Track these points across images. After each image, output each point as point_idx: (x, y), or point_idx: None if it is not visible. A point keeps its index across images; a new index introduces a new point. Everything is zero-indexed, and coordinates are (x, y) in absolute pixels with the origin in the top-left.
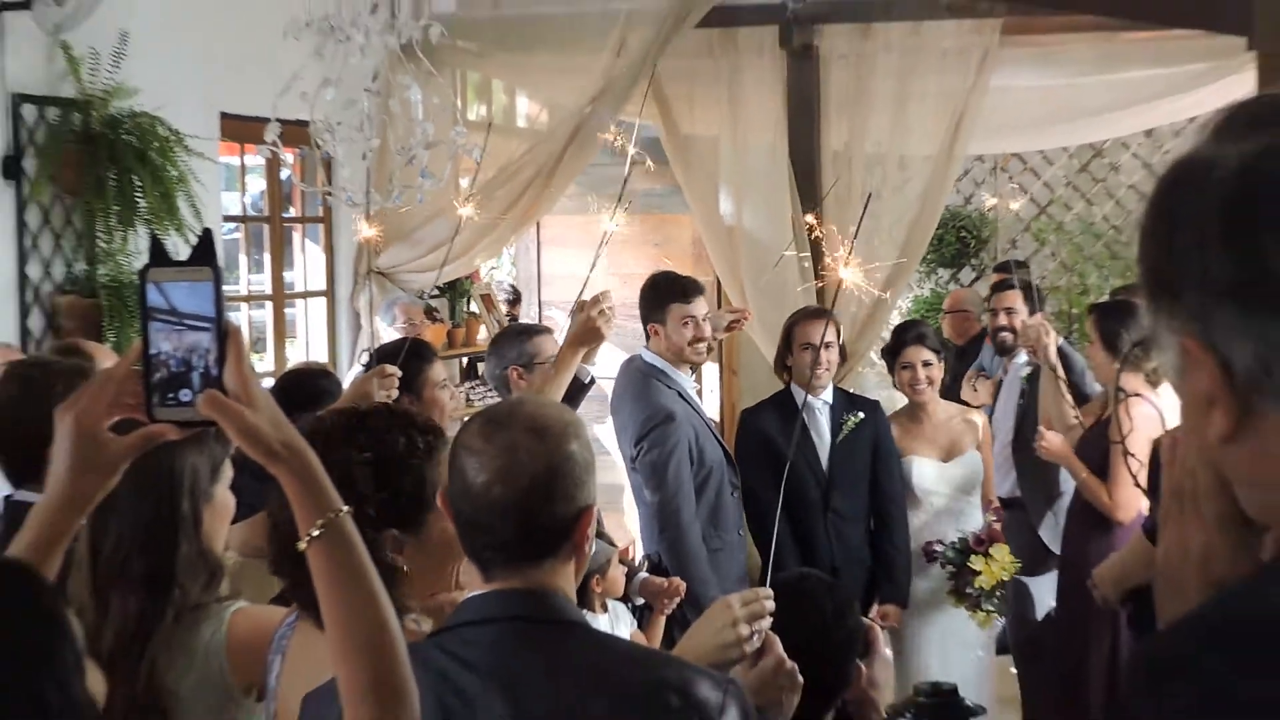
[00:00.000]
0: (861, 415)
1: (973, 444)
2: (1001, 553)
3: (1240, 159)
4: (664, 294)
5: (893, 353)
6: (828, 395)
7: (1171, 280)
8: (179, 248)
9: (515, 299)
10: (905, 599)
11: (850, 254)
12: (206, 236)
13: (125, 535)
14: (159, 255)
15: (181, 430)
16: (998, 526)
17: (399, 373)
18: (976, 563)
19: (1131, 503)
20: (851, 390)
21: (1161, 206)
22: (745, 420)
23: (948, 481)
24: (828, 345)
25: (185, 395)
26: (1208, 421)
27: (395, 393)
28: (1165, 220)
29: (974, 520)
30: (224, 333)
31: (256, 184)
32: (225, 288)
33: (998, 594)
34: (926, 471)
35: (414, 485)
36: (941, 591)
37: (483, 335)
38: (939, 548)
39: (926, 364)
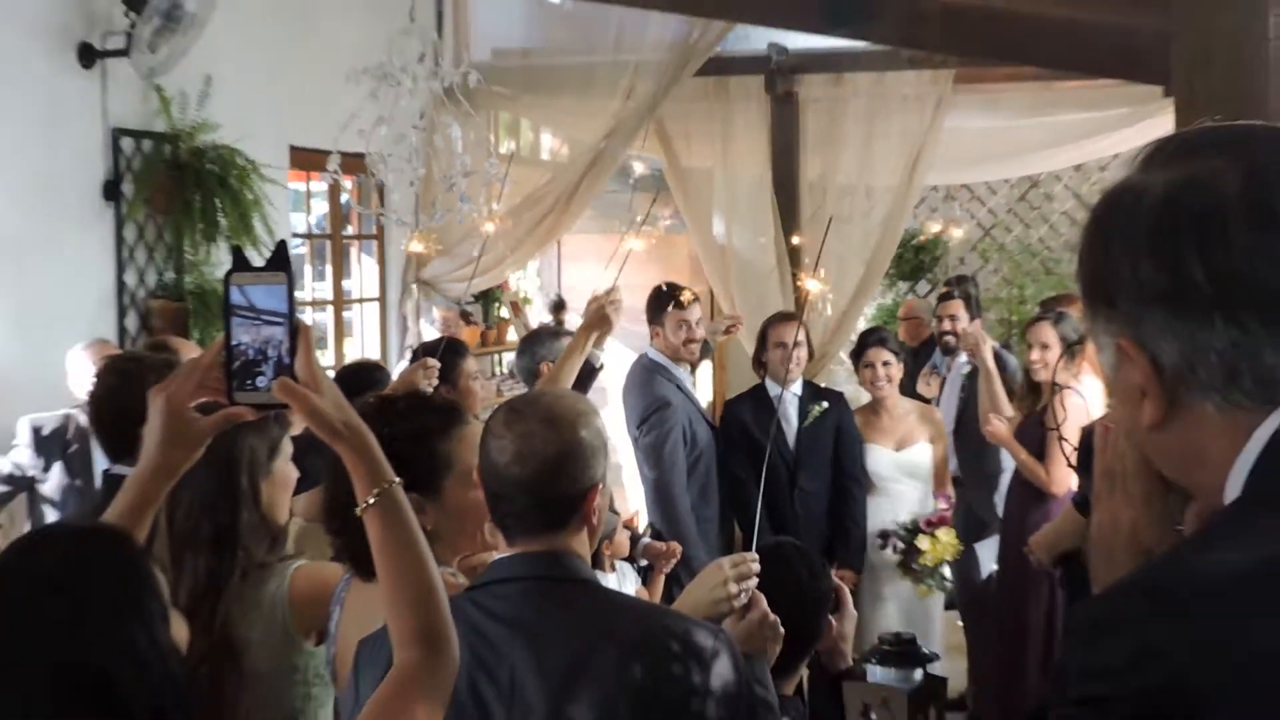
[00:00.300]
0: (826, 405)
1: (925, 437)
2: (947, 535)
3: (1165, 187)
4: (663, 302)
5: (857, 354)
6: (796, 387)
7: (1108, 289)
8: (253, 259)
9: (560, 306)
10: (860, 566)
11: (816, 268)
12: (282, 247)
13: (194, 504)
14: (240, 262)
15: (257, 411)
16: (947, 513)
17: (438, 365)
18: (923, 542)
19: (1065, 479)
20: (823, 384)
21: (1099, 226)
22: (726, 408)
23: (898, 468)
24: (797, 344)
25: (261, 381)
26: (1139, 411)
27: (436, 381)
28: (1102, 238)
29: (923, 502)
30: (295, 328)
31: (320, 206)
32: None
33: (940, 571)
34: (880, 458)
35: (426, 457)
36: (894, 563)
37: (511, 336)
38: (891, 528)
39: (886, 364)
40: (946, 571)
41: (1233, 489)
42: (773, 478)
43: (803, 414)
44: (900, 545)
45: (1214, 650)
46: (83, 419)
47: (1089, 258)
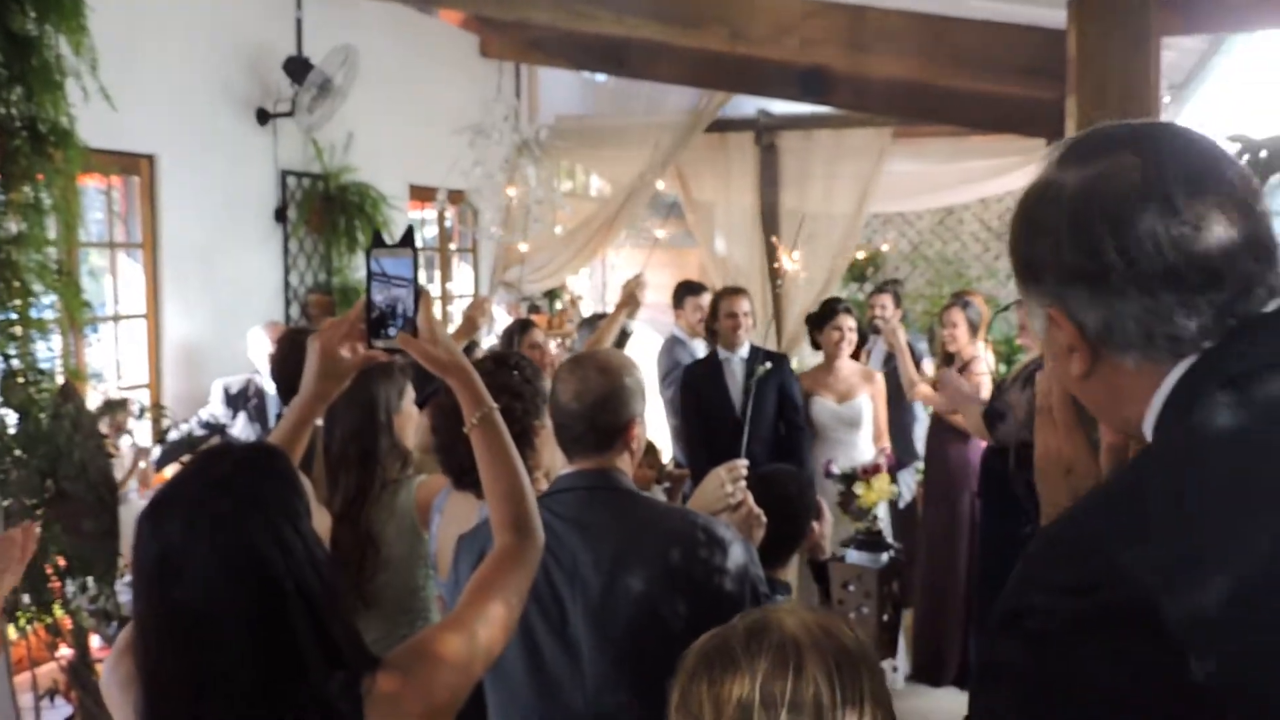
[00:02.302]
0: (770, 365)
1: (865, 393)
2: (880, 482)
3: (1079, 181)
4: (684, 292)
5: (823, 319)
6: (743, 351)
7: (1036, 269)
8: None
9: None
10: None
11: (792, 255)
12: (409, 230)
13: (345, 436)
14: (378, 240)
15: (388, 355)
16: (882, 463)
17: (488, 303)
18: (859, 488)
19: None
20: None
21: (1027, 217)
22: (685, 372)
23: (838, 418)
24: (746, 314)
25: (391, 331)
26: (1069, 364)
27: (490, 318)
28: (1029, 227)
29: (860, 449)
30: (418, 291)
31: (431, 229)
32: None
33: (873, 512)
34: (824, 409)
35: (522, 400)
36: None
37: (572, 321)
38: (835, 470)
39: (851, 329)
40: (880, 512)
41: (1148, 424)
42: (721, 426)
43: (749, 373)
44: (840, 489)
45: (1167, 565)
46: (259, 380)
47: (1020, 243)
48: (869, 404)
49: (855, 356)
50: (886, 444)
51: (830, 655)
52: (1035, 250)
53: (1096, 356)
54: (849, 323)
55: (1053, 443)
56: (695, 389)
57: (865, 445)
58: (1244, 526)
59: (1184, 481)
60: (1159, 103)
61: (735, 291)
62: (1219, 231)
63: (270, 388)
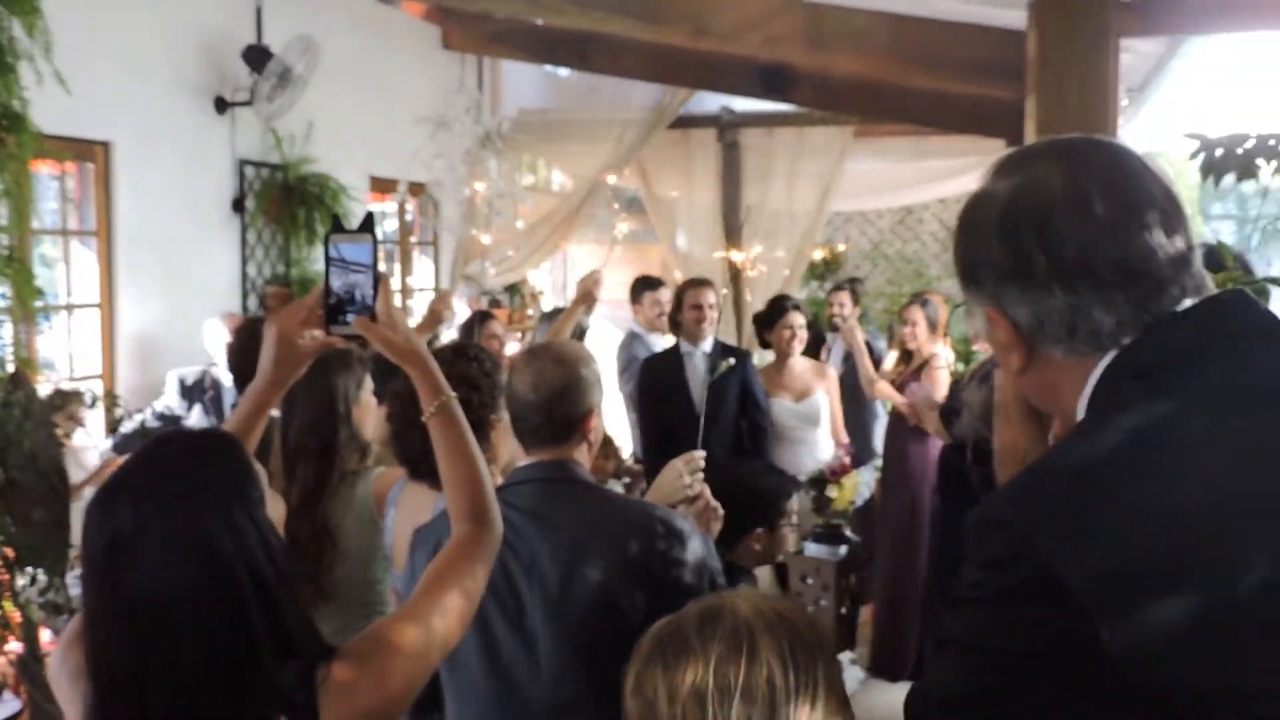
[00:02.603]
0: (733, 361)
1: (821, 388)
2: (849, 480)
3: (1007, 191)
4: (642, 286)
5: (773, 318)
6: (706, 346)
7: (974, 272)
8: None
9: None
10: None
11: (752, 255)
12: (369, 216)
13: (303, 427)
14: (338, 225)
15: (346, 341)
16: (847, 461)
17: (451, 299)
18: (832, 490)
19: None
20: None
21: (965, 225)
22: (644, 365)
23: (797, 416)
24: (711, 306)
25: (349, 318)
26: (1008, 360)
27: (453, 312)
28: (968, 233)
29: (821, 446)
30: (377, 277)
31: (391, 222)
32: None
33: (848, 512)
34: (783, 408)
35: (479, 392)
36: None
37: (530, 314)
38: (802, 479)
39: (801, 326)
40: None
41: (1080, 414)
42: (680, 421)
43: (711, 369)
44: (812, 494)
45: (1071, 542)
46: (215, 372)
47: (960, 249)
48: (825, 400)
49: (816, 355)
50: (845, 438)
51: (785, 640)
52: (973, 254)
53: (1032, 352)
54: (799, 320)
55: (1008, 435)
56: (655, 382)
57: (825, 443)
58: (1140, 510)
59: (1089, 468)
60: (1117, 104)
61: (701, 283)
62: (1135, 235)
63: (226, 379)
